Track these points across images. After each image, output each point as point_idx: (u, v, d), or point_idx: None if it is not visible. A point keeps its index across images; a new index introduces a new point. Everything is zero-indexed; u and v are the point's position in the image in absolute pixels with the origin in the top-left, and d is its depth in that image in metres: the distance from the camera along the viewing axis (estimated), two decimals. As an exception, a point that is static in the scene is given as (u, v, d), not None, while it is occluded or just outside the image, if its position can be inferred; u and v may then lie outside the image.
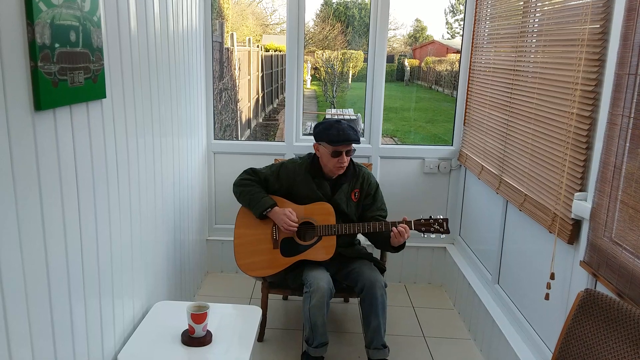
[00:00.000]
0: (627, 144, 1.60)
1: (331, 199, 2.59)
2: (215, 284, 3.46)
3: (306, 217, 2.57)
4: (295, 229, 2.52)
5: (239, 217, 2.65)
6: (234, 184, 2.65)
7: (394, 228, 2.44)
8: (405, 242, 2.49)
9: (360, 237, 2.92)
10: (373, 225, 2.50)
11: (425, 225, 2.51)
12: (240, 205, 2.65)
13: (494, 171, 2.73)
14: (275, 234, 2.58)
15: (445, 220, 2.51)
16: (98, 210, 1.73)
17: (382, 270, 2.67)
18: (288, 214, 2.51)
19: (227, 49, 6.69)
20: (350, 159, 2.62)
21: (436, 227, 2.50)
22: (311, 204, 2.58)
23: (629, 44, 1.60)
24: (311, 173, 2.60)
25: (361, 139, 3.42)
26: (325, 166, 2.58)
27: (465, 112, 3.31)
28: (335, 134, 2.48)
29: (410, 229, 2.48)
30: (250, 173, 2.65)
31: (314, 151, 2.64)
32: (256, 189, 2.59)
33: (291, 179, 2.62)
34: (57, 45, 1.39)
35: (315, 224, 2.55)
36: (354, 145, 2.54)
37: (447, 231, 2.50)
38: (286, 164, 2.67)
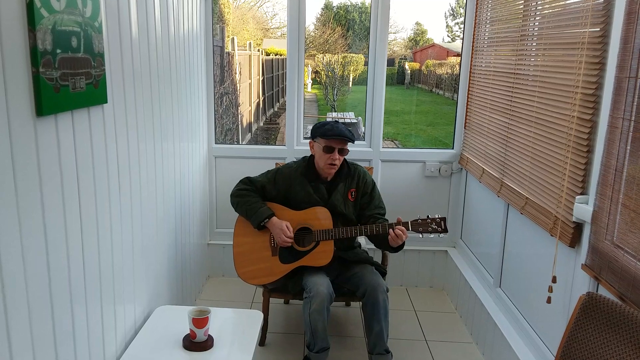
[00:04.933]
0: (628, 147, 1.60)
1: (328, 201, 2.59)
2: (216, 288, 3.46)
3: (303, 223, 2.57)
4: (290, 244, 2.52)
5: (237, 225, 2.65)
6: (231, 195, 2.65)
7: (390, 231, 2.40)
8: (404, 243, 2.45)
9: (360, 239, 2.91)
10: (370, 228, 2.48)
11: (423, 225, 2.44)
12: None
13: (495, 174, 2.73)
14: (274, 241, 2.57)
15: (443, 219, 2.44)
16: (99, 215, 1.74)
17: (383, 273, 2.66)
18: (284, 228, 2.50)
19: (228, 53, 6.69)
20: (345, 159, 2.62)
21: (434, 226, 2.43)
22: (308, 209, 2.57)
23: (629, 47, 1.60)
24: (307, 176, 2.60)
25: (362, 142, 3.42)
26: (318, 165, 2.58)
27: (466, 115, 3.31)
28: (330, 129, 2.50)
29: (408, 230, 2.42)
30: (247, 182, 2.64)
31: (310, 153, 2.64)
32: (253, 199, 2.58)
33: (287, 184, 2.62)
34: (58, 51, 1.39)
35: (312, 229, 2.55)
36: (348, 146, 2.54)
37: (445, 230, 2.42)
38: (282, 170, 2.67)
